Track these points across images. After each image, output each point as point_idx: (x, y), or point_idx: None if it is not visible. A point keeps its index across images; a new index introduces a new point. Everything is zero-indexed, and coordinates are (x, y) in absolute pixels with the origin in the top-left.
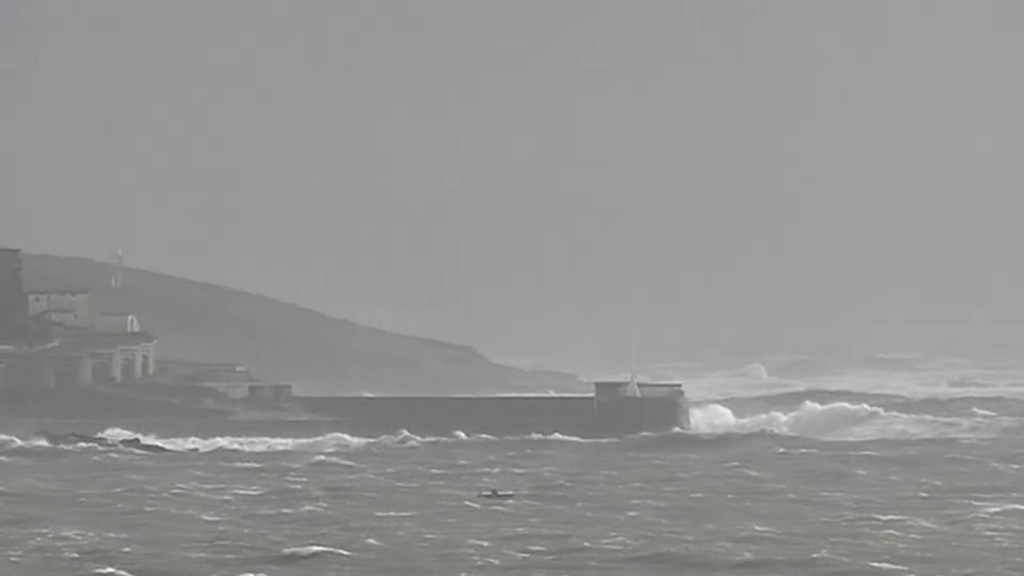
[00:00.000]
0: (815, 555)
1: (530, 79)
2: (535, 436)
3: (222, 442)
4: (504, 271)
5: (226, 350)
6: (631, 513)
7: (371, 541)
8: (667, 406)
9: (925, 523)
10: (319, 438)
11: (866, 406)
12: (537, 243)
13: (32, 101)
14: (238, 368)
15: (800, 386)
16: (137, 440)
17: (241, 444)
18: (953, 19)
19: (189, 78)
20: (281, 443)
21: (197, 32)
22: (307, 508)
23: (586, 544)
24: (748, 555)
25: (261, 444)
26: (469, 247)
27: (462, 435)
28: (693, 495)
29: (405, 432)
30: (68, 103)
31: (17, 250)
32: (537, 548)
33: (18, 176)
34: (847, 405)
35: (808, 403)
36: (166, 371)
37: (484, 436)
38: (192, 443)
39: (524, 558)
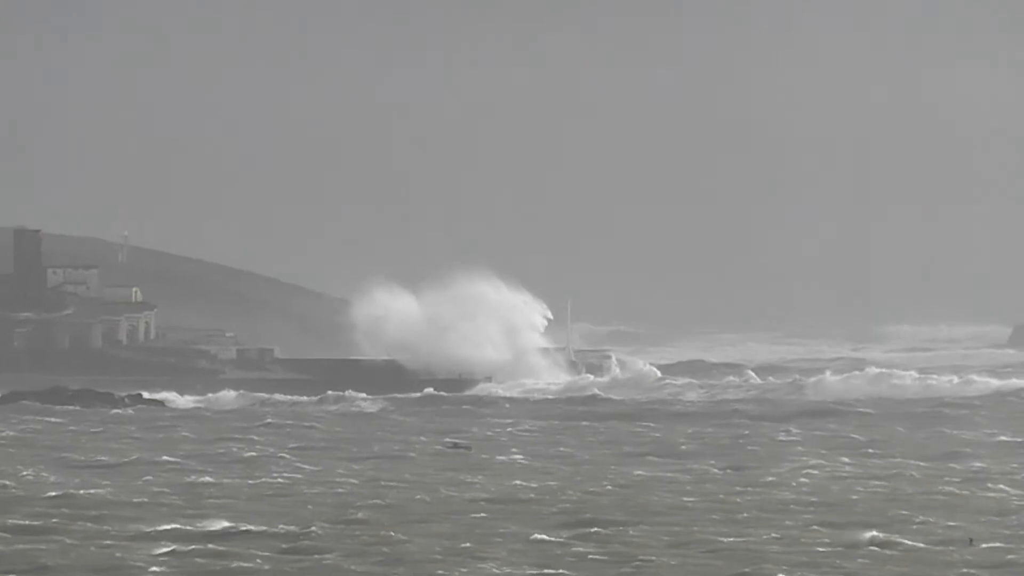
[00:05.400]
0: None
1: None
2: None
3: (216, 396)
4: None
5: (217, 318)
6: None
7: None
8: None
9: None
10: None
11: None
12: None
13: (54, 97)
14: (227, 333)
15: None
16: (140, 395)
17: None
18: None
19: (196, 74)
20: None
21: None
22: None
23: None
24: None
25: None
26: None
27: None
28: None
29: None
30: (88, 102)
31: (38, 230)
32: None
33: (38, 167)
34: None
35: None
36: (165, 336)
37: (431, 391)
38: (186, 398)
39: None
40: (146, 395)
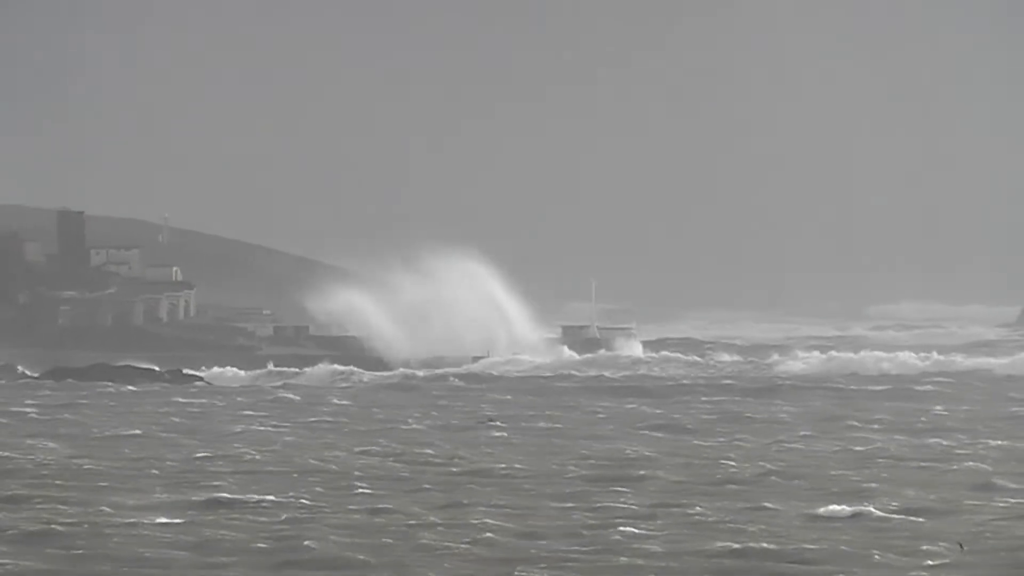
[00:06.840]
0: None
1: None
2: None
3: (252, 373)
4: None
5: (253, 296)
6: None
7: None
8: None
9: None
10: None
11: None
12: None
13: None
14: (264, 311)
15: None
16: (179, 371)
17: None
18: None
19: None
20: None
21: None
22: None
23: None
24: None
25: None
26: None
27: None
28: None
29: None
30: (127, 94)
31: (81, 212)
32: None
33: (83, 150)
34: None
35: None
36: (204, 313)
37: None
38: (224, 374)
39: None
40: (186, 371)
